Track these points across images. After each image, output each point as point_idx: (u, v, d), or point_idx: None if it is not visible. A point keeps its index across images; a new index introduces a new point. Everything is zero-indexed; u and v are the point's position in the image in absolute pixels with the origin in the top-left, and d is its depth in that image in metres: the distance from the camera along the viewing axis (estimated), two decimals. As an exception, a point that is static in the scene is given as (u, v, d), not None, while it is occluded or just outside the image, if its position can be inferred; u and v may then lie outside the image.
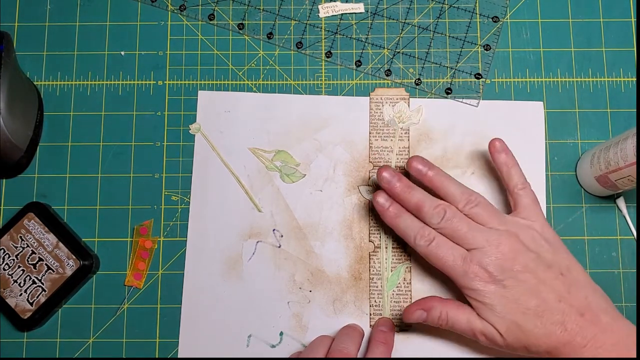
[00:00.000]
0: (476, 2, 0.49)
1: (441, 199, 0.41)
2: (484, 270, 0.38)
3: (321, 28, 0.49)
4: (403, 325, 0.45)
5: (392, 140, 0.47)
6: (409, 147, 0.47)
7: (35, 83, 0.49)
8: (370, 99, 0.48)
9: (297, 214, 0.46)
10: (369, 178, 0.47)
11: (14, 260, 0.45)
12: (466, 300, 0.40)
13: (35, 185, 0.47)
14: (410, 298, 0.45)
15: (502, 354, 0.42)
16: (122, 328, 0.45)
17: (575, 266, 0.40)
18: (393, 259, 0.46)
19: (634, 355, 0.36)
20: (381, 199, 0.42)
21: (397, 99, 0.48)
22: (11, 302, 0.44)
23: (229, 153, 0.47)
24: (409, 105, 0.48)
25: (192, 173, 0.47)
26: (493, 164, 0.44)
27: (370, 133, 0.48)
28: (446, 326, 0.40)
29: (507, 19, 0.49)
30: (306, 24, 0.50)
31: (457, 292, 0.41)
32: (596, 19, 0.49)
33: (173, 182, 0.47)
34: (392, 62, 0.49)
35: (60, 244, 0.45)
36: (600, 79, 0.48)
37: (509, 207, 0.43)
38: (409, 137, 0.47)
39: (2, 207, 0.47)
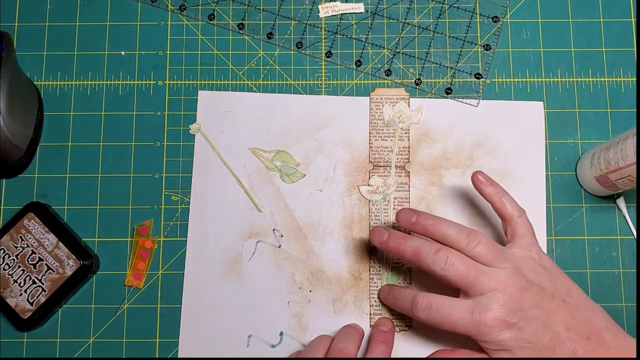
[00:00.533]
0: (476, 2, 0.49)
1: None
2: (496, 319, 0.37)
3: (321, 28, 0.49)
4: (403, 325, 0.45)
5: (392, 140, 0.47)
6: (409, 147, 0.47)
7: (35, 83, 0.49)
8: (370, 99, 0.48)
9: (297, 214, 0.46)
10: (369, 178, 0.47)
11: (14, 260, 0.45)
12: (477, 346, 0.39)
13: (35, 185, 0.47)
14: (410, 298, 0.45)
15: None
16: (122, 328, 0.45)
17: (573, 289, 0.40)
18: (393, 259, 0.46)
19: None
20: (376, 234, 0.41)
21: (397, 99, 0.48)
22: (11, 302, 0.44)
23: (229, 153, 0.47)
24: (409, 105, 0.48)
25: (192, 173, 0.47)
26: (482, 197, 0.42)
27: (370, 133, 0.48)
28: None
29: (507, 19, 0.49)
30: (306, 24, 0.50)
31: (455, 294, 0.41)
32: (596, 19, 0.49)
33: (173, 182, 0.47)
34: (392, 62, 0.49)
35: (60, 244, 0.45)
36: (600, 79, 0.48)
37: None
38: (409, 137, 0.47)
39: (2, 207, 0.47)
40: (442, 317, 0.38)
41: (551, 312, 0.38)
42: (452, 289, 0.39)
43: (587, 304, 0.39)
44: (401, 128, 0.48)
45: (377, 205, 0.47)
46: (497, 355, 0.38)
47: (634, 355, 0.37)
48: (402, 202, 0.46)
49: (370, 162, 0.47)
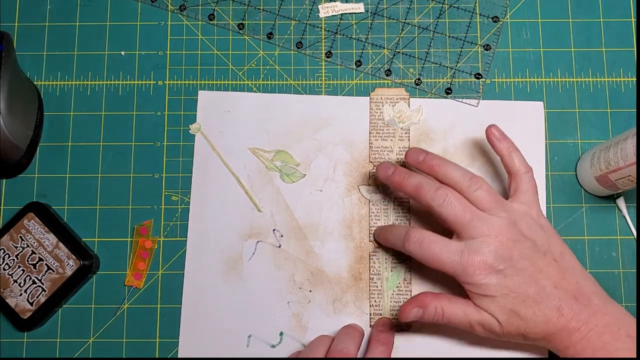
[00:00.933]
0: (476, 2, 0.49)
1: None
2: (483, 262, 0.38)
3: (321, 28, 0.49)
4: (403, 325, 0.45)
5: (392, 140, 0.47)
6: (409, 147, 0.47)
7: (35, 83, 0.49)
8: (370, 99, 0.48)
9: (297, 214, 0.46)
10: (369, 178, 0.47)
11: (14, 260, 0.45)
12: (462, 292, 0.40)
13: (35, 185, 0.47)
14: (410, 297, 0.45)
15: (498, 343, 0.42)
16: (122, 328, 0.45)
17: (567, 252, 0.40)
18: (393, 259, 0.46)
19: (624, 333, 0.37)
20: (381, 169, 0.42)
21: (397, 99, 0.48)
22: (11, 302, 0.44)
23: (229, 153, 0.47)
24: (409, 105, 0.48)
25: (192, 173, 0.47)
26: (493, 150, 0.43)
27: (370, 133, 0.48)
28: (442, 321, 0.40)
29: (507, 19, 0.49)
30: (306, 24, 0.50)
31: (457, 289, 0.41)
32: (596, 19, 0.49)
33: (173, 182, 0.47)
34: (392, 62, 0.49)
35: (60, 244, 0.45)
36: (600, 79, 0.48)
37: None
38: (409, 137, 0.47)
39: (2, 207, 0.47)
40: (431, 254, 0.39)
41: (541, 267, 0.39)
42: (446, 277, 0.40)
43: (578, 268, 0.40)
44: (401, 128, 0.48)
45: (377, 205, 0.47)
46: (479, 301, 0.39)
47: (624, 320, 0.38)
48: (402, 202, 0.46)
49: (370, 162, 0.47)
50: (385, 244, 0.44)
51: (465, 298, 0.40)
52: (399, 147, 0.47)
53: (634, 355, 0.37)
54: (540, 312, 0.38)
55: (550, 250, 0.39)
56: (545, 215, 0.46)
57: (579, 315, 0.37)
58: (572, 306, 0.38)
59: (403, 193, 0.43)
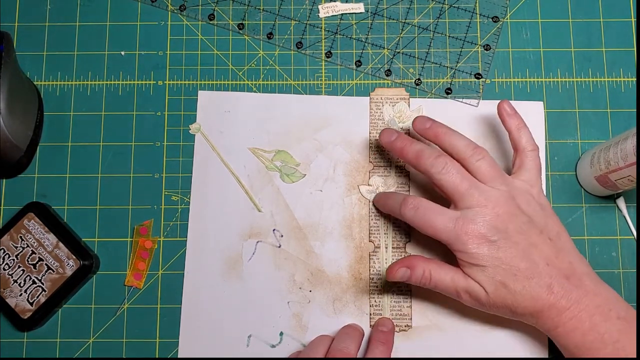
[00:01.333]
0: (476, 2, 0.49)
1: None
2: (477, 232, 0.38)
3: (321, 28, 0.49)
4: (403, 325, 0.45)
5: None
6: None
7: (35, 83, 0.49)
8: (370, 99, 0.48)
9: (297, 214, 0.46)
10: (369, 178, 0.47)
11: (14, 260, 0.45)
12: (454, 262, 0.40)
13: (35, 185, 0.47)
14: (410, 298, 0.45)
15: (499, 343, 0.43)
16: (122, 328, 0.45)
17: (563, 233, 0.40)
18: (393, 259, 0.46)
19: (615, 314, 0.37)
20: (384, 135, 0.43)
21: (397, 99, 0.48)
22: (11, 302, 0.44)
23: (229, 153, 0.47)
24: (409, 105, 0.48)
25: (192, 173, 0.47)
26: (502, 126, 0.43)
27: (370, 133, 0.48)
28: (429, 285, 0.40)
29: (507, 19, 0.49)
30: (306, 24, 0.50)
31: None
32: (596, 19, 0.49)
33: (173, 182, 0.47)
34: (392, 62, 0.49)
35: (60, 244, 0.45)
36: (600, 79, 0.48)
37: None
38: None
39: (2, 207, 0.47)
40: (426, 220, 0.39)
41: (535, 243, 0.39)
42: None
43: (573, 250, 0.40)
44: (401, 128, 0.48)
45: (377, 205, 0.46)
46: (469, 270, 0.39)
47: (615, 302, 0.38)
48: (402, 202, 0.46)
49: (370, 162, 0.47)
50: (383, 210, 0.45)
51: (455, 266, 0.40)
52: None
53: (624, 336, 0.37)
54: (530, 288, 0.38)
55: (547, 228, 0.40)
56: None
57: (569, 294, 0.38)
58: (563, 285, 0.38)
59: (404, 160, 0.42)
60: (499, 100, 0.43)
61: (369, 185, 0.47)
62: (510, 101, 0.48)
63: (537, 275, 0.38)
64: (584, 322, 0.37)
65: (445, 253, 0.45)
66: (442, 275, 0.40)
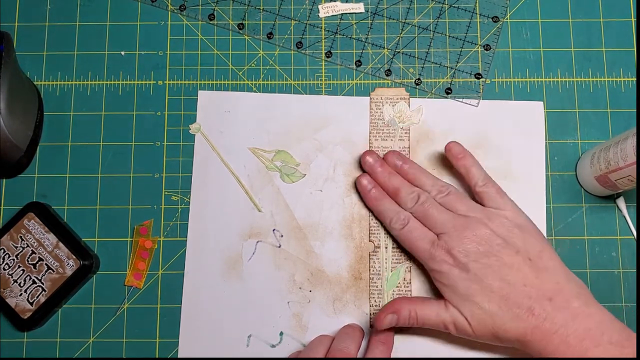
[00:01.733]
0: (476, 2, 0.49)
1: None
2: (449, 255, 0.40)
3: (321, 28, 0.49)
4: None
5: (392, 140, 0.47)
6: (409, 147, 0.47)
7: (35, 83, 0.49)
8: (370, 98, 0.48)
9: (297, 214, 0.46)
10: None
11: (14, 260, 0.45)
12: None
13: (35, 185, 0.47)
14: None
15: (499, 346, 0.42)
16: (122, 328, 0.45)
17: (547, 253, 0.40)
18: (393, 259, 0.46)
19: (607, 339, 0.36)
20: (365, 181, 0.45)
21: (397, 99, 0.48)
22: (11, 302, 0.44)
23: (229, 153, 0.47)
24: (409, 105, 0.48)
25: (192, 173, 0.47)
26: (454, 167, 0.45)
27: (370, 133, 0.48)
28: (417, 324, 0.40)
29: (507, 19, 0.49)
30: (306, 24, 0.50)
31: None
32: (596, 19, 0.49)
33: (173, 182, 0.47)
34: (392, 62, 0.49)
35: (60, 244, 0.45)
36: (600, 79, 0.48)
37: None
38: (409, 137, 0.47)
39: (2, 207, 0.47)
40: (409, 239, 0.42)
41: (510, 264, 0.39)
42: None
43: (560, 269, 0.39)
44: (401, 128, 0.48)
45: (377, 205, 0.46)
46: (446, 294, 0.40)
47: (607, 324, 0.37)
48: (402, 202, 0.46)
49: (370, 162, 0.47)
50: (374, 211, 0.46)
51: (439, 299, 0.41)
52: (399, 147, 0.47)
53: None
54: (507, 309, 0.38)
55: (525, 249, 0.39)
56: (545, 215, 0.46)
57: (553, 316, 0.37)
58: (545, 307, 0.37)
59: (382, 188, 0.45)
60: (499, 100, 0.43)
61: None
62: (510, 101, 0.48)
63: (514, 296, 0.38)
64: (573, 347, 0.36)
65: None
66: (426, 311, 0.40)
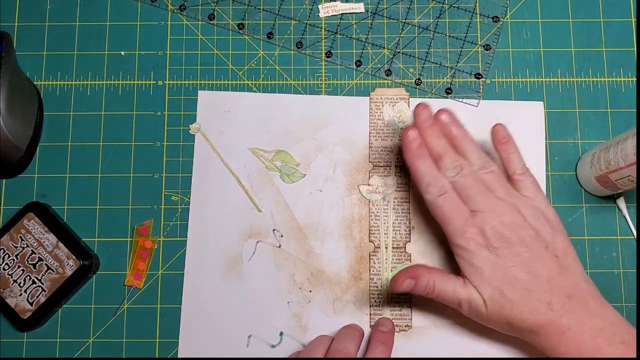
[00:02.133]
0: (476, 2, 0.49)
1: None
2: (481, 235, 0.39)
3: (321, 28, 0.49)
4: (403, 325, 0.45)
5: (392, 140, 0.47)
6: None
7: (35, 83, 0.49)
8: (370, 99, 0.48)
9: (297, 214, 0.46)
10: (369, 178, 0.47)
11: (14, 260, 0.45)
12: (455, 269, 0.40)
13: (35, 185, 0.47)
14: (410, 298, 0.45)
15: (487, 331, 0.42)
16: (122, 328, 0.45)
17: (571, 252, 0.40)
18: (393, 259, 0.46)
19: (619, 339, 0.37)
20: (413, 134, 0.42)
21: (397, 98, 0.48)
22: (11, 302, 0.44)
23: (229, 153, 0.47)
24: (409, 105, 0.48)
25: (192, 173, 0.47)
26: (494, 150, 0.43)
27: (370, 133, 0.48)
28: (432, 295, 0.40)
29: (507, 19, 0.49)
30: (306, 24, 0.50)
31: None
32: (596, 19, 0.49)
33: (173, 182, 0.47)
34: (392, 62, 0.49)
35: (60, 244, 0.44)
36: (600, 79, 0.48)
37: None
38: (409, 137, 0.47)
39: (2, 207, 0.47)
40: (443, 209, 0.40)
41: (539, 257, 0.39)
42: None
43: (579, 270, 0.39)
44: (401, 128, 0.48)
45: (377, 205, 0.47)
46: (467, 270, 0.39)
47: (619, 325, 0.37)
48: (402, 202, 0.46)
49: (370, 162, 0.47)
50: (411, 169, 0.42)
51: (457, 275, 0.40)
52: (399, 147, 0.47)
53: None
54: (528, 300, 0.38)
55: (553, 244, 0.39)
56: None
57: (570, 313, 0.37)
58: (565, 303, 0.38)
59: (427, 149, 0.42)
60: (499, 100, 0.43)
61: (369, 185, 0.47)
62: (510, 101, 0.48)
63: (537, 289, 0.38)
64: (587, 344, 0.37)
65: (446, 255, 0.45)
66: (444, 285, 0.40)
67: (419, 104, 0.43)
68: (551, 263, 0.39)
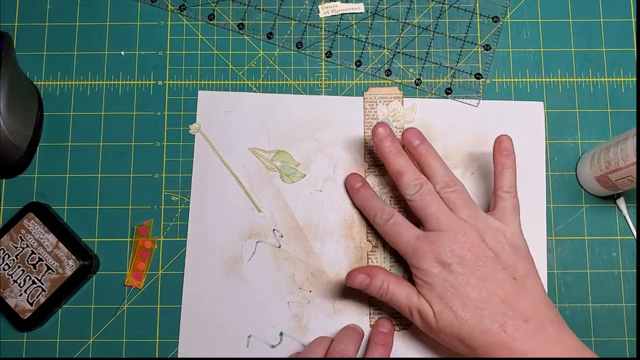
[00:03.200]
0: (476, 2, 0.49)
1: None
2: (432, 252, 0.39)
3: (321, 28, 0.49)
4: (403, 324, 0.45)
5: (392, 140, 0.47)
6: (404, 146, 0.47)
7: (35, 83, 0.49)
8: (364, 98, 0.48)
9: (297, 214, 0.46)
10: (365, 177, 0.47)
11: (13, 260, 0.45)
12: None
13: (35, 185, 0.47)
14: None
15: (437, 346, 0.42)
16: (122, 328, 0.45)
17: (533, 276, 0.39)
18: (392, 259, 0.46)
19: None
20: (354, 178, 0.45)
21: (390, 97, 0.48)
22: (11, 302, 0.44)
23: (229, 153, 0.47)
24: (402, 104, 0.48)
25: (192, 173, 0.47)
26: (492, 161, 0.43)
27: (365, 133, 0.48)
28: (385, 297, 0.40)
29: (507, 19, 0.49)
30: (306, 24, 0.50)
31: None
32: (596, 19, 0.49)
33: (173, 182, 0.47)
34: (392, 62, 0.49)
35: (60, 244, 0.45)
36: (600, 79, 0.48)
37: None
38: (408, 137, 0.47)
39: (2, 207, 0.47)
40: (393, 232, 0.41)
41: (494, 279, 0.38)
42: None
43: (541, 295, 0.38)
44: (395, 127, 0.48)
45: (377, 205, 0.46)
46: (420, 286, 0.39)
47: (581, 351, 0.36)
48: (398, 201, 0.46)
49: (366, 161, 0.47)
50: (360, 207, 0.45)
51: (413, 285, 0.40)
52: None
53: None
54: (481, 319, 0.37)
55: (513, 267, 0.38)
56: (545, 216, 0.46)
57: (525, 338, 0.36)
58: (519, 327, 0.36)
59: (384, 164, 0.43)
60: (499, 100, 0.42)
61: (368, 185, 0.47)
62: (510, 101, 0.48)
63: (490, 309, 0.37)
64: None
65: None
66: (398, 290, 0.40)
67: (375, 125, 0.43)
68: (507, 284, 0.38)
